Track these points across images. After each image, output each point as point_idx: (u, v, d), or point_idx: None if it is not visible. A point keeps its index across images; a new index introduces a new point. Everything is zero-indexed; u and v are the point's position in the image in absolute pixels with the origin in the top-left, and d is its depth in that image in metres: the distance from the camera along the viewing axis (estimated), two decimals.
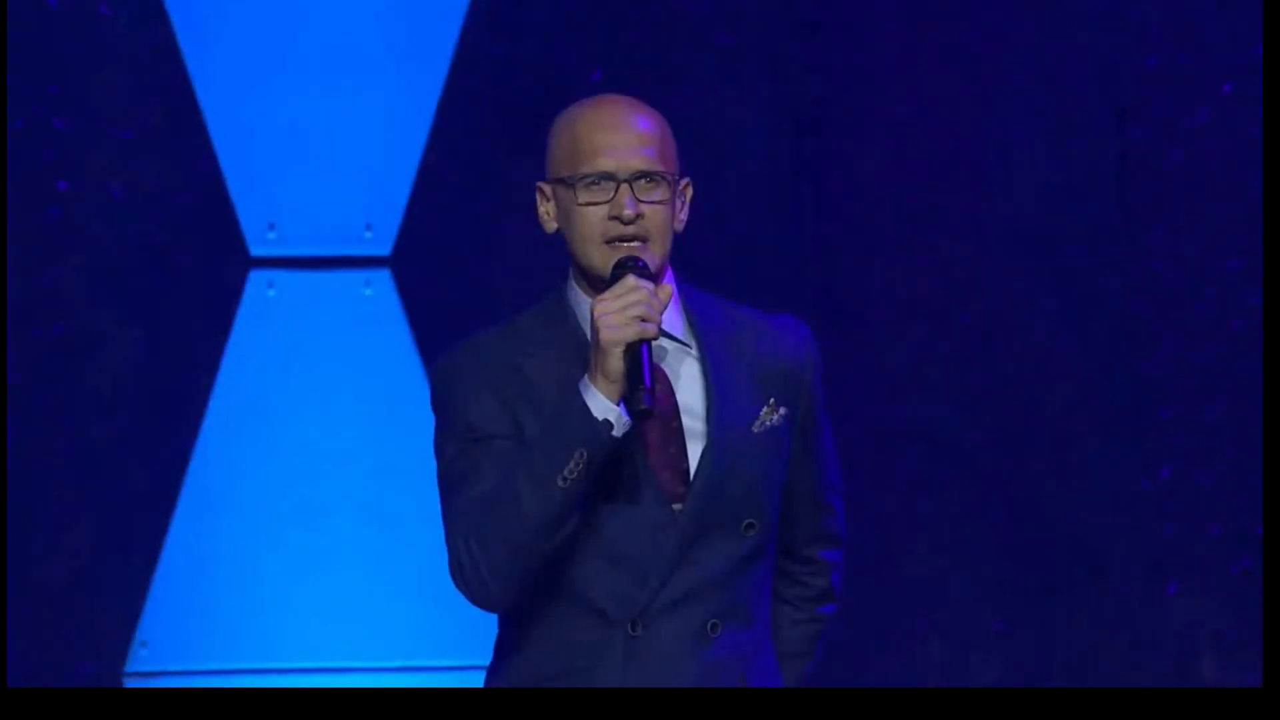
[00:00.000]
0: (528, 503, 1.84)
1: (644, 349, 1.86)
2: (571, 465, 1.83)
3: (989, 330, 9.22)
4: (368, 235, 4.69)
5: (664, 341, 1.93)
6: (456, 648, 4.29)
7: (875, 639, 4.33)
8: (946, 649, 4.21)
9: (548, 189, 1.97)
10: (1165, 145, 6.95)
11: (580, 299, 1.96)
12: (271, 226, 4.75)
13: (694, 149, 6.17)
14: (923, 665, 3.94)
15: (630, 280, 1.87)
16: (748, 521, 1.93)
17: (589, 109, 1.97)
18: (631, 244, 1.91)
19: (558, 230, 1.98)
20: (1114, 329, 9.34)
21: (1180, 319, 8.78)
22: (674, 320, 1.95)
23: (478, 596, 1.90)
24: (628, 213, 1.91)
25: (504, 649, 1.98)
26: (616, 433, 1.85)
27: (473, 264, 4.88)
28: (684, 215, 2.00)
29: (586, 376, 1.87)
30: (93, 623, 4.61)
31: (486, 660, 2.08)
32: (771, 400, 1.95)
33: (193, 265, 4.79)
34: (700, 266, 5.38)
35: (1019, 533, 5.87)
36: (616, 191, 1.91)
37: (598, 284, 1.92)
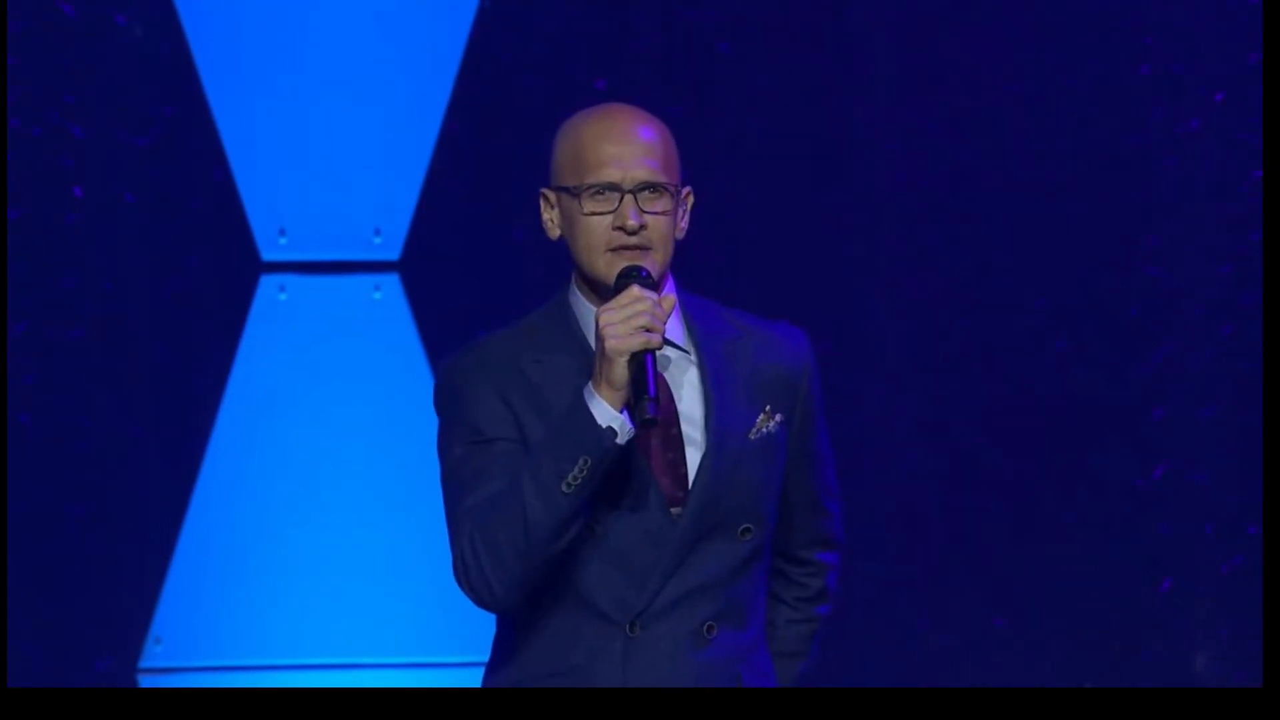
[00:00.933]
0: (532, 508, 1.85)
1: (648, 358, 1.86)
2: (576, 472, 1.84)
3: (988, 332, 9.26)
4: (377, 240, 4.70)
5: (665, 349, 1.93)
6: (469, 644, 4.31)
7: (875, 639, 4.33)
8: (946, 648, 4.22)
9: (552, 196, 1.99)
10: (1160, 152, 6.97)
11: (583, 305, 1.98)
12: (282, 232, 4.77)
13: (697, 154, 6.17)
14: (923, 665, 3.95)
15: (635, 290, 1.88)
16: (744, 526, 1.94)
17: (594, 119, 1.98)
18: (634, 253, 1.92)
19: (561, 237, 2.00)
20: (1110, 332, 9.38)
21: (1174, 322, 8.83)
22: (674, 327, 1.96)
23: (482, 598, 1.92)
24: (632, 223, 1.92)
25: (503, 648, 1.99)
26: (620, 440, 1.85)
27: (480, 268, 4.90)
28: (685, 223, 2.01)
29: (590, 384, 1.87)
30: (108, 620, 4.63)
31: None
32: (768, 408, 1.96)
33: (205, 270, 4.81)
34: (701, 271, 5.40)
35: (1016, 532, 5.89)
36: (621, 202, 1.92)
37: (601, 291, 1.93)
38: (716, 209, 7.68)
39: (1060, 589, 5.43)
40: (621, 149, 1.93)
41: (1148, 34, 8.23)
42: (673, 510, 1.92)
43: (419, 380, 4.47)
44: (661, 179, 1.94)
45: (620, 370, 1.86)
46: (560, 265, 2.43)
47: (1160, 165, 7.90)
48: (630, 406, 1.86)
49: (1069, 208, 8.05)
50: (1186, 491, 8.84)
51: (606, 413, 1.86)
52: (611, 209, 1.93)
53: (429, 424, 2.21)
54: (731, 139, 5.75)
